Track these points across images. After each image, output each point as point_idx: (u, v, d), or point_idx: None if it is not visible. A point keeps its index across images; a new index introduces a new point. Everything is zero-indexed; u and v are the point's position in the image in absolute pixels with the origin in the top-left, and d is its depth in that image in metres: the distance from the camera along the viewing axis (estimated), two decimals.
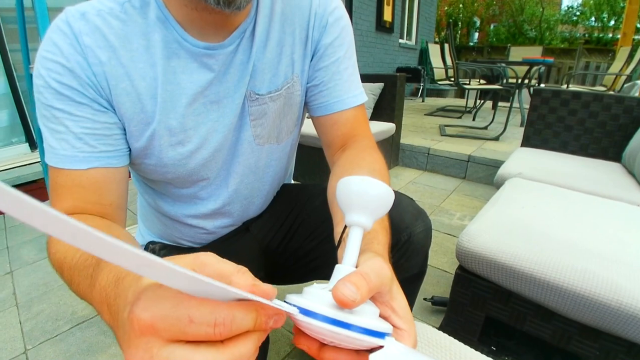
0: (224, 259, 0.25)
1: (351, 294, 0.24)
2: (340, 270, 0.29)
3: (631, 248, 0.83)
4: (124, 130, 0.50)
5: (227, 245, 0.70)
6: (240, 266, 0.24)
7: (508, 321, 0.87)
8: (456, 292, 0.94)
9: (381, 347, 0.25)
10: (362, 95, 0.62)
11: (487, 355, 0.56)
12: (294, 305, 0.25)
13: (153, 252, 0.70)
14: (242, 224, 0.71)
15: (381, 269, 0.29)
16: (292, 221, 0.73)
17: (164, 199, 0.64)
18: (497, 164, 2.35)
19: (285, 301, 0.26)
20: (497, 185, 1.46)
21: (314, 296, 0.27)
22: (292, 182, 0.86)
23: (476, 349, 0.61)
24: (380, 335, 0.25)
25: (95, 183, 0.47)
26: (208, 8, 0.45)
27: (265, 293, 0.22)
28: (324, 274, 0.73)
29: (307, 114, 0.70)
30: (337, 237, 0.42)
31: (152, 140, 0.51)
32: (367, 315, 0.26)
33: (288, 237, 0.73)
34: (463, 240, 0.89)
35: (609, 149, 1.79)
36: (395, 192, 0.62)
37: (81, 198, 0.47)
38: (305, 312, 0.24)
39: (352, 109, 0.60)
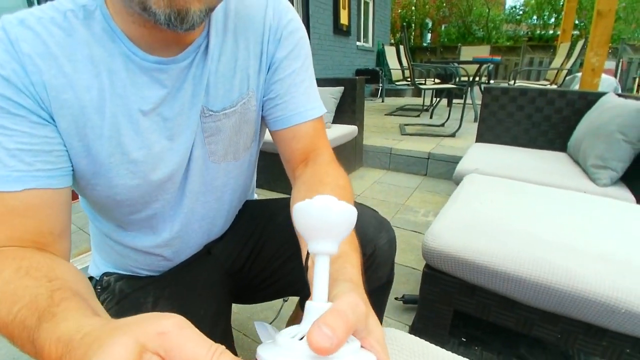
0: (194, 330, 0.21)
1: (329, 339, 0.21)
2: (312, 309, 0.26)
3: (580, 234, 0.89)
4: (66, 146, 0.45)
5: (187, 271, 0.66)
6: (215, 346, 0.21)
7: (475, 313, 0.90)
8: (425, 290, 0.96)
9: None
10: (321, 107, 0.61)
11: (458, 347, 0.58)
12: None
13: (108, 284, 0.64)
14: (204, 247, 0.68)
15: (356, 305, 0.26)
16: (255, 241, 0.71)
17: (116, 225, 0.60)
18: (455, 160, 2.44)
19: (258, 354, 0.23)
20: (456, 182, 1.52)
21: (289, 350, 0.24)
22: (255, 196, 0.84)
23: (447, 342, 0.62)
24: None
25: (32, 207, 0.41)
26: (158, 26, 0.41)
27: None
28: (290, 292, 0.72)
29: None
30: (304, 259, 0.41)
31: (99, 158, 0.47)
32: (348, 355, 0.24)
33: (252, 258, 0.71)
34: (428, 240, 0.91)
35: (555, 140, 1.91)
36: (357, 205, 0.61)
37: (16, 227, 0.41)
38: None
39: (311, 122, 0.59)
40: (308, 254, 0.36)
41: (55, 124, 0.44)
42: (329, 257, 0.27)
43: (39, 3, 2.53)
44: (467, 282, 0.87)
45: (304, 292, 0.75)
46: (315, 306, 0.26)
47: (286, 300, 1.24)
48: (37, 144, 0.42)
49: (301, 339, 0.24)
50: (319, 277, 0.27)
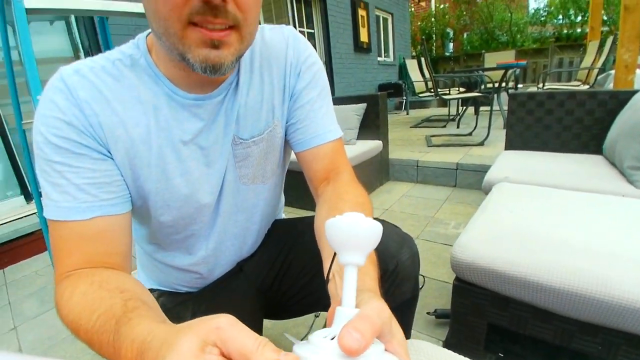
0: (243, 326, 0.25)
1: (357, 342, 0.25)
2: (342, 314, 0.29)
3: (618, 239, 0.85)
4: (123, 177, 0.52)
5: (222, 289, 0.71)
6: (261, 338, 0.24)
7: (509, 326, 0.88)
8: (456, 303, 0.95)
9: None
10: (338, 130, 0.66)
11: None
12: None
13: None
14: (237, 265, 0.73)
15: (382, 310, 0.30)
16: (283, 259, 0.75)
17: (158, 246, 0.66)
18: (484, 169, 2.38)
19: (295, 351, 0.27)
20: (485, 191, 1.49)
21: (322, 349, 0.27)
22: (284, 216, 0.88)
23: (483, 357, 0.62)
24: None
25: (100, 232, 0.48)
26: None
27: None
28: (320, 307, 0.74)
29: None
30: (325, 272, 0.44)
31: (147, 185, 0.54)
32: (374, 357, 0.27)
33: (280, 275, 0.75)
34: (456, 252, 0.91)
35: (589, 142, 1.84)
36: (379, 221, 0.64)
37: (88, 250, 0.47)
38: None
39: (329, 143, 0.64)
40: (330, 267, 0.39)
41: (113, 158, 0.51)
42: (357, 268, 0.30)
43: (83, 48, 2.76)
44: (499, 293, 0.86)
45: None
46: (345, 311, 0.29)
47: (317, 316, 1.25)
48: (99, 177, 0.49)
49: (332, 339, 0.28)
50: (348, 286, 0.30)
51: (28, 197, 2.51)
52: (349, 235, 0.29)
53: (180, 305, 0.70)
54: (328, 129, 0.64)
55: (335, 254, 0.40)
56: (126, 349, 0.31)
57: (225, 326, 0.25)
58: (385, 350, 0.30)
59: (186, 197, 0.57)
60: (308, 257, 0.71)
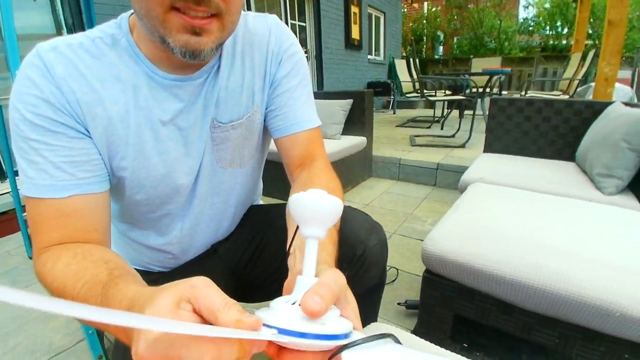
0: (216, 287, 0.27)
1: (319, 305, 0.27)
2: (302, 282, 0.31)
3: (580, 240, 0.90)
4: (101, 155, 0.52)
5: (196, 269, 0.72)
6: (229, 299, 0.26)
7: (475, 317, 0.92)
8: (425, 294, 0.98)
9: (339, 347, 0.28)
10: (316, 120, 0.68)
11: (459, 352, 0.60)
12: (271, 326, 0.27)
13: None
14: (211, 247, 0.74)
15: (338, 278, 0.32)
16: (258, 242, 0.76)
17: (132, 224, 0.66)
18: (464, 170, 2.43)
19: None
20: (461, 191, 1.53)
21: (284, 312, 0.29)
22: (260, 201, 0.89)
23: (448, 347, 0.65)
24: (344, 336, 0.29)
25: (78, 210, 0.48)
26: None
27: (250, 327, 0.25)
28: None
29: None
30: (287, 247, 0.46)
31: (124, 162, 0.54)
32: (331, 320, 0.29)
33: (255, 258, 0.76)
34: (427, 245, 0.94)
35: (563, 149, 1.91)
36: (350, 209, 0.68)
37: (67, 227, 0.48)
38: (284, 332, 0.27)
39: (307, 131, 0.66)
40: (291, 242, 0.41)
41: (90, 136, 0.51)
42: (317, 241, 0.33)
43: (66, 25, 2.68)
44: (466, 286, 0.89)
45: None
46: (305, 280, 0.32)
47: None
48: (76, 155, 0.49)
49: (292, 304, 0.30)
50: (308, 257, 0.32)
51: (2, 176, 2.43)
52: (309, 209, 0.31)
53: (152, 284, 0.70)
54: (306, 118, 0.66)
55: (297, 229, 0.42)
56: (120, 301, 0.32)
57: (199, 285, 0.27)
58: (340, 315, 0.32)
59: (162, 177, 0.58)
60: (281, 242, 0.72)
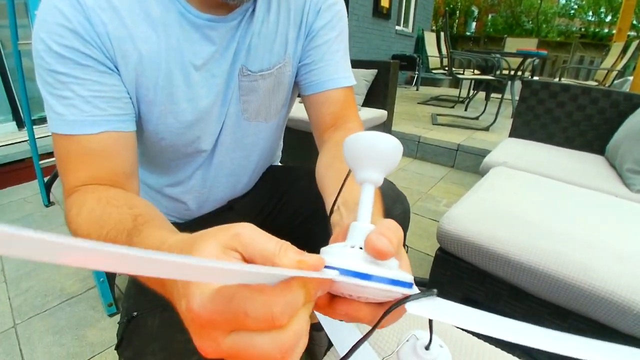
0: (263, 232, 0.25)
1: (386, 245, 0.24)
2: (357, 228, 0.28)
3: (606, 234, 0.87)
4: (129, 94, 0.50)
5: (211, 222, 0.71)
6: (282, 242, 0.24)
7: (484, 301, 0.91)
8: (435, 273, 0.97)
9: (404, 296, 0.25)
10: (352, 78, 0.64)
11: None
12: (334, 267, 0.24)
13: None
14: (227, 203, 0.72)
15: (398, 227, 0.29)
16: (276, 201, 0.75)
17: (151, 170, 0.65)
18: (485, 154, 2.36)
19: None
20: (482, 173, 1.49)
21: (345, 254, 0.26)
22: (279, 164, 0.88)
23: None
24: (409, 285, 0.26)
25: (107, 148, 0.46)
26: None
27: (313, 267, 0.22)
28: (308, 252, 0.75)
29: (297, 99, 0.71)
30: (329, 207, 0.43)
31: (152, 106, 0.52)
32: (394, 268, 0.27)
33: (272, 217, 0.75)
34: (444, 223, 0.92)
35: (593, 142, 1.83)
36: None
37: (94, 166, 0.46)
38: (348, 272, 0.24)
39: (342, 89, 0.62)
40: (336, 199, 0.38)
41: (119, 73, 0.48)
42: (374, 186, 0.29)
43: None
44: (480, 268, 0.88)
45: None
46: (360, 226, 0.28)
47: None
48: (107, 91, 0.46)
49: (352, 248, 0.27)
50: (364, 203, 0.29)
51: (20, 124, 2.45)
52: (369, 149, 0.28)
53: None
54: (343, 75, 0.62)
55: (342, 185, 0.39)
56: None
57: (244, 232, 0.24)
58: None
59: (190, 125, 0.56)
60: (302, 202, 0.71)
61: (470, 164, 2.54)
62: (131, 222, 0.36)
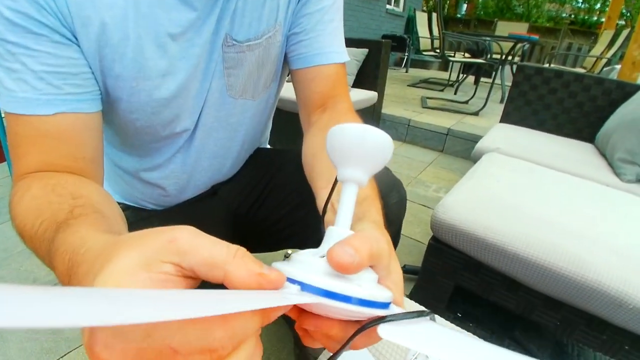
0: (210, 236, 0.20)
1: (350, 257, 0.21)
2: (333, 233, 0.25)
3: (599, 225, 0.86)
4: (92, 70, 0.43)
5: (192, 209, 0.65)
6: (234, 246, 0.19)
7: (476, 291, 0.89)
8: (428, 262, 0.95)
9: (379, 317, 0.22)
10: (346, 54, 0.58)
11: (453, 322, 0.58)
12: (295, 281, 0.21)
13: None
14: (211, 187, 0.67)
15: (380, 239, 0.25)
16: (263, 186, 0.69)
17: (126, 152, 0.58)
18: (475, 139, 2.37)
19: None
20: (474, 159, 1.47)
21: (309, 265, 0.23)
22: (268, 147, 0.82)
23: (442, 315, 0.62)
24: (384, 305, 0.23)
25: (64, 132, 0.40)
26: None
27: (273, 283, 0.19)
28: (293, 242, 0.70)
29: (287, 76, 0.65)
30: (321, 204, 0.39)
31: (120, 82, 0.45)
32: (368, 283, 0.23)
33: (258, 203, 0.69)
34: (438, 212, 0.89)
35: (583, 129, 1.82)
36: None
37: (49, 151, 0.40)
38: (309, 288, 0.21)
39: (334, 65, 0.56)
40: (330, 193, 0.34)
41: (79, 44, 0.41)
42: (357, 187, 0.26)
43: None
44: (474, 258, 0.86)
45: (305, 246, 0.75)
46: (337, 231, 0.25)
47: (287, 256, 1.24)
48: (62, 65, 0.40)
49: (321, 257, 0.23)
50: (344, 205, 0.26)
51: None
52: (353, 143, 0.24)
53: (143, 221, 0.64)
54: (336, 49, 0.56)
55: (336, 180, 0.34)
56: (58, 261, 0.25)
57: (183, 236, 0.19)
58: (378, 283, 0.25)
59: (166, 102, 0.49)
60: (290, 189, 0.66)
61: (459, 148, 2.52)
62: (66, 214, 0.30)
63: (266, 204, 0.69)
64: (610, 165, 1.41)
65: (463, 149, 2.49)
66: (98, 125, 0.45)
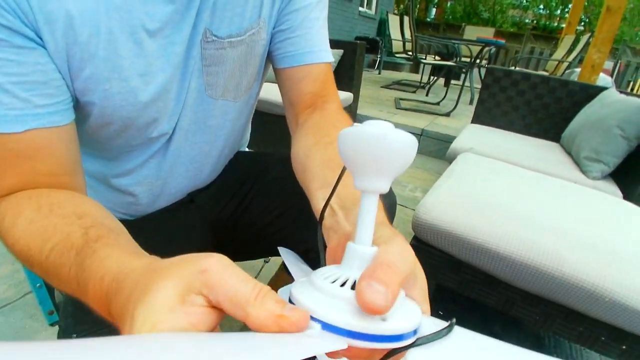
0: (237, 269, 0.20)
1: (383, 297, 0.18)
2: (355, 252, 0.23)
3: (573, 222, 0.89)
4: (61, 73, 0.38)
5: (167, 218, 0.61)
6: (260, 285, 0.19)
7: (457, 288, 0.90)
8: None
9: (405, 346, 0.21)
10: (330, 53, 0.57)
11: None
12: (316, 320, 0.19)
13: None
14: (187, 195, 0.62)
15: (406, 252, 0.23)
16: (244, 193, 0.65)
17: (90, 154, 0.53)
18: (447, 139, 2.42)
19: (290, 300, 0.21)
20: (449, 159, 1.50)
21: (332, 297, 0.21)
22: (247, 150, 0.79)
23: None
24: (414, 333, 0.21)
25: (39, 150, 0.36)
26: None
27: (295, 326, 0.18)
28: (276, 251, 0.68)
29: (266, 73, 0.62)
30: (318, 211, 0.36)
31: (92, 84, 0.40)
32: (393, 309, 0.20)
33: (240, 211, 0.66)
34: (420, 212, 0.89)
35: (549, 129, 1.90)
36: None
37: (26, 171, 0.36)
38: (330, 328, 0.19)
39: (323, 65, 0.54)
40: (330, 196, 0.31)
41: (44, 45, 0.36)
42: (377, 197, 0.23)
43: None
44: (455, 257, 0.87)
45: (298, 250, 0.72)
46: (360, 250, 0.23)
47: (267, 262, 1.20)
48: (29, 74, 0.35)
49: (342, 284, 0.21)
50: (364, 218, 0.23)
51: None
52: (376, 151, 0.21)
53: None
54: (324, 47, 0.54)
55: (338, 181, 0.31)
56: (94, 285, 0.25)
57: (213, 268, 0.19)
58: (405, 295, 0.24)
59: (145, 106, 0.44)
60: (274, 195, 0.63)
61: (433, 149, 2.57)
62: (81, 237, 0.29)
63: (248, 213, 0.65)
64: (577, 163, 1.48)
65: (436, 149, 2.54)
66: (74, 135, 0.41)
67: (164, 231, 0.59)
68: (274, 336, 0.18)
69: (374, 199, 0.23)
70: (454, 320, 0.22)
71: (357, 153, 0.22)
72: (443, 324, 0.22)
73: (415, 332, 0.21)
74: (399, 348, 0.20)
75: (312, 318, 0.19)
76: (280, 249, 0.37)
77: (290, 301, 0.21)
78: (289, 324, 0.18)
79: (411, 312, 0.22)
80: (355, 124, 0.24)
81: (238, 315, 0.19)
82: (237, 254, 0.71)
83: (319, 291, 0.21)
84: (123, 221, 0.59)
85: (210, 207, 0.65)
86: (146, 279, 0.21)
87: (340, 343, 0.19)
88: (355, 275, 0.21)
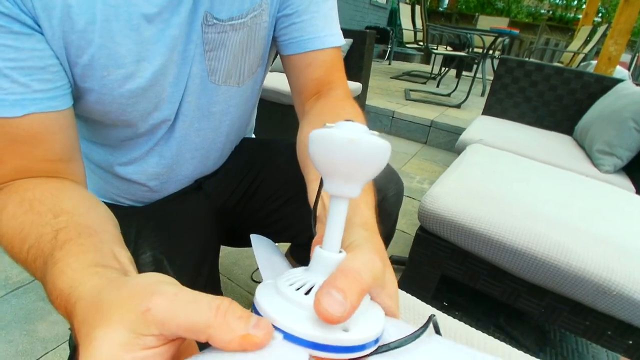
0: (187, 293, 0.19)
1: (340, 306, 0.18)
2: (322, 259, 0.22)
3: (580, 215, 0.87)
4: (59, 59, 0.38)
5: (175, 205, 0.61)
6: (218, 301, 0.18)
7: (462, 279, 0.90)
8: (415, 252, 0.95)
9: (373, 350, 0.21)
10: (341, 36, 0.55)
11: (439, 311, 0.57)
12: (278, 329, 0.19)
13: None
14: (195, 182, 0.62)
15: (373, 262, 0.23)
16: (251, 179, 0.65)
17: (100, 146, 0.53)
18: (457, 131, 2.39)
19: (257, 310, 0.21)
20: (458, 151, 1.48)
21: (293, 304, 0.20)
22: (253, 136, 0.78)
23: (428, 304, 0.61)
24: (375, 342, 0.21)
25: (37, 135, 0.36)
26: None
27: (258, 346, 0.18)
28: (283, 237, 0.68)
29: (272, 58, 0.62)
30: (311, 199, 0.36)
31: (89, 71, 0.40)
32: (356, 317, 0.20)
33: (247, 197, 0.66)
34: (426, 202, 0.89)
35: (562, 122, 1.86)
36: None
37: (23, 156, 0.36)
38: (291, 338, 0.19)
39: (329, 50, 0.53)
40: (317, 196, 0.31)
41: (42, 32, 0.36)
42: (347, 202, 0.22)
43: None
44: (460, 247, 0.86)
45: (297, 240, 0.72)
46: (325, 256, 0.22)
47: None
48: (27, 59, 0.35)
49: (307, 292, 0.21)
50: (333, 223, 0.22)
51: None
52: (344, 156, 0.20)
53: (122, 220, 0.59)
54: (332, 32, 0.53)
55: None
56: (56, 298, 0.25)
57: (157, 307, 0.18)
58: (371, 299, 0.24)
59: (143, 92, 0.44)
60: (281, 182, 0.63)
61: (442, 140, 2.55)
62: (49, 242, 0.28)
63: (255, 198, 0.65)
64: (589, 156, 1.45)
65: (446, 141, 2.51)
66: (71, 121, 0.41)
67: (172, 218, 0.59)
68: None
69: (344, 203, 0.22)
70: (423, 329, 0.22)
71: (326, 157, 0.21)
72: (412, 329, 0.22)
73: (376, 342, 0.21)
74: (360, 358, 0.20)
75: (275, 327, 0.19)
76: (253, 237, 0.37)
77: (254, 305, 0.21)
78: (252, 344, 0.17)
79: (375, 320, 0.22)
80: (335, 123, 0.22)
81: (201, 339, 0.18)
82: (245, 240, 0.72)
83: (283, 298, 0.21)
84: (131, 209, 0.60)
85: (218, 194, 0.65)
86: (92, 317, 0.20)
87: (302, 354, 0.18)
88: (320, 280, 0.21)
